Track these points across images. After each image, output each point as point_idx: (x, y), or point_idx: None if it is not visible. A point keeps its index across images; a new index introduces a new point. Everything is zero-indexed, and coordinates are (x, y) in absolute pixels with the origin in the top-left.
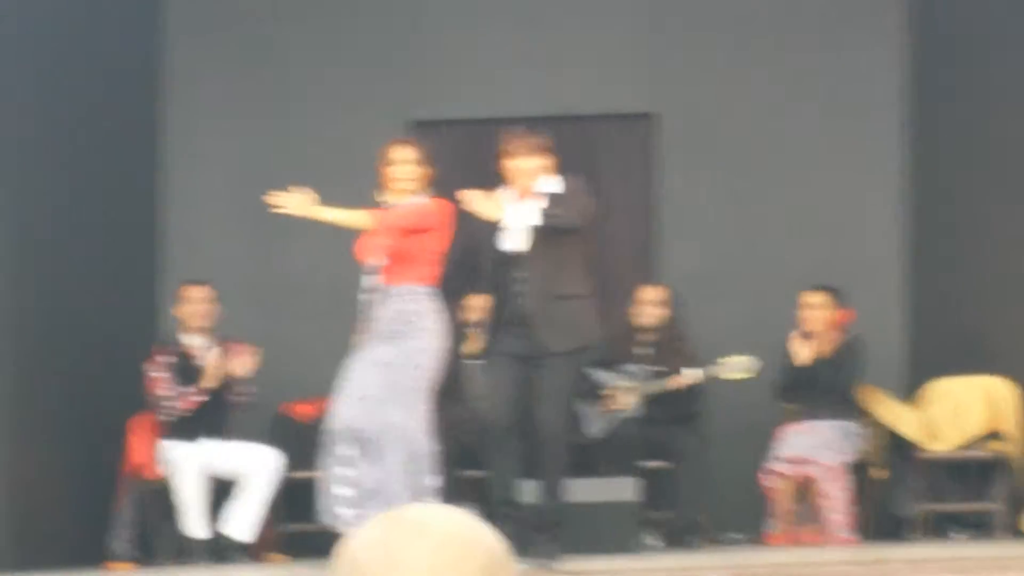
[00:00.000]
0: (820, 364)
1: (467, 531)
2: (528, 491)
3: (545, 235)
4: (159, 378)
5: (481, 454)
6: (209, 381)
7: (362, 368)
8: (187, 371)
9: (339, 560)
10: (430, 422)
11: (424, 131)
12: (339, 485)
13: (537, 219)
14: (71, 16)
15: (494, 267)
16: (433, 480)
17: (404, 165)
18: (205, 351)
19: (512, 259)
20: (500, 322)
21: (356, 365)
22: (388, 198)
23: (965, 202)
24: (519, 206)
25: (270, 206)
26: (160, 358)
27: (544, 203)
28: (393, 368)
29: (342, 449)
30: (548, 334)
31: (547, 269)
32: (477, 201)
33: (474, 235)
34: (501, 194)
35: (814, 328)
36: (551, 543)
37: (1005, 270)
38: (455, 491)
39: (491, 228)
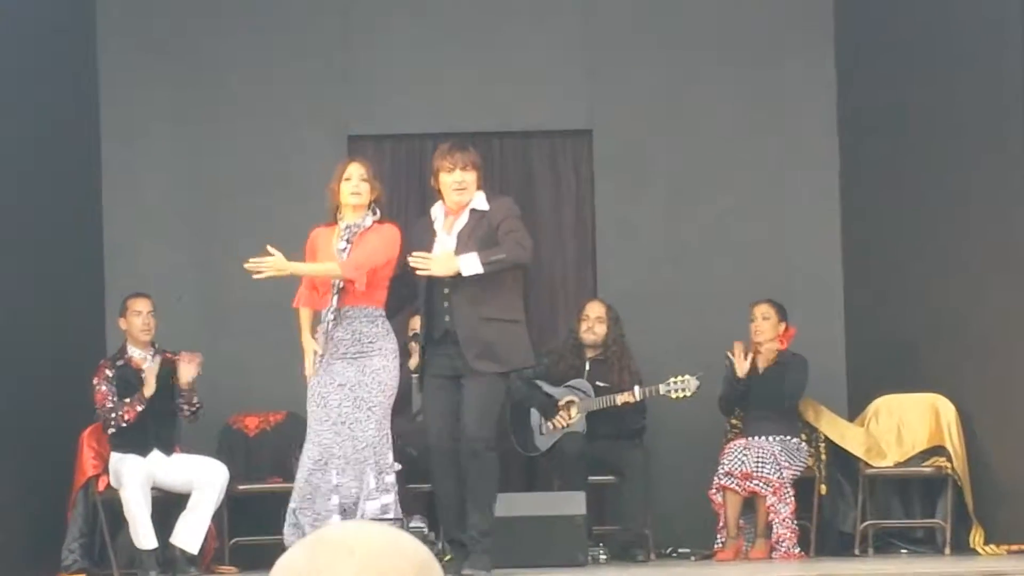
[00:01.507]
0: (760, 377)
1: (393, 547)
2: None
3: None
4: (103, 390)
5: (431, 474)
6: (148, 390)
7: (330, 392)
8: (132, 382)
9: None
10: (391, 440)
11: (360, 146)
12: (308, 508)
13: (477, 268)
14: (4, 27)
15: (426, 285)
16: (391, 498)
17: (358, 182)
18: (150, 362)
19: (443, 278)
20: (430, 341)
21: (323, 390)
22: (340, 216)
23: (900, 222)
24: (465, 258)
25: (251, 272)
26: (105, 370)
27: (484, 250)
28: (358, 387)
29: (316, 475)
30: (472, 356)
31: (474, 291)
32: (430, 265)
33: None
34: (437, 220)
35: (762, 338)
36: (482, 556)
37: (941, 291)
38: (404, 505)
39: (426, 246)
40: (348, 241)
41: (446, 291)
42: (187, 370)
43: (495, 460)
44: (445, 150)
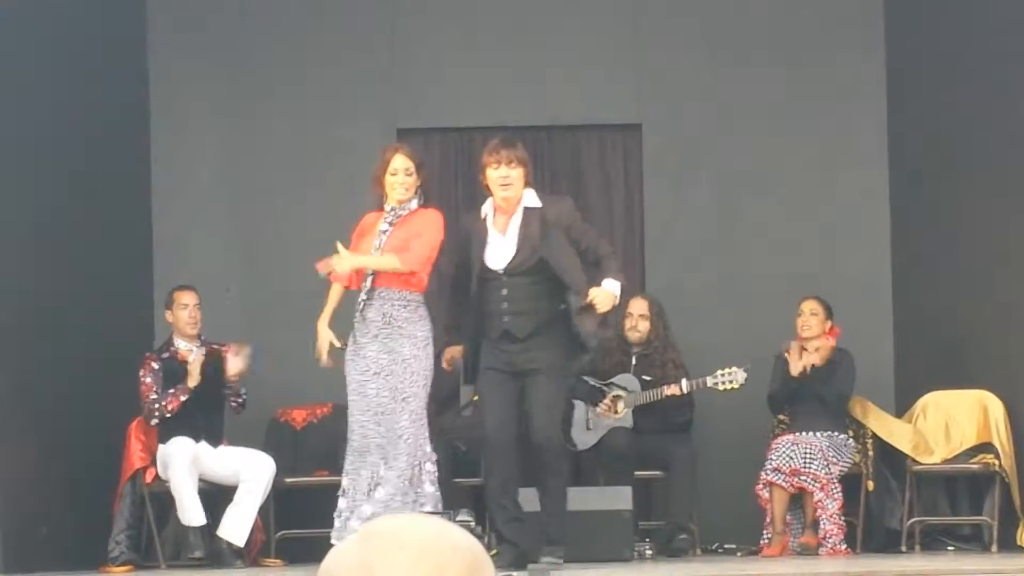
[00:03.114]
0: (811, 376)
1: (445, 540)
2: (529, 500)
3: (534, 259)
4: (148, 382)
5: (483, 465)
6: (191, 381)
7: (367, 381)
8: (178, 375)
9: None
10: (427, 428)
11: (409, 139)
12: (353, 498)
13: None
14: (57, 26)
15: (481, 283)
16: (435, 486)
17: (403, 178)
18: (194, 354)
19: (499, 277)
20: (487, 337)
21: (361, 378)
22: (386, 203)
23: (950, 217)
24: (612, 284)
25: (320, 272)
26: (151, 363)
27: (612, 268)
28: (392, 376)
29: (359, 463)
30: (534, 352)
31: (534, 290)
32: (605, 304)
33: (465, 250)
34: (485, 210)
35: (809, 334)
36: (557, 551)
37: (991, 286)
38: (450, 497)
39: (479, 244)
40: (390, 224)
41: (504, 292)
42: (234, 363)
43: (567, 458)
44: (492, 146)
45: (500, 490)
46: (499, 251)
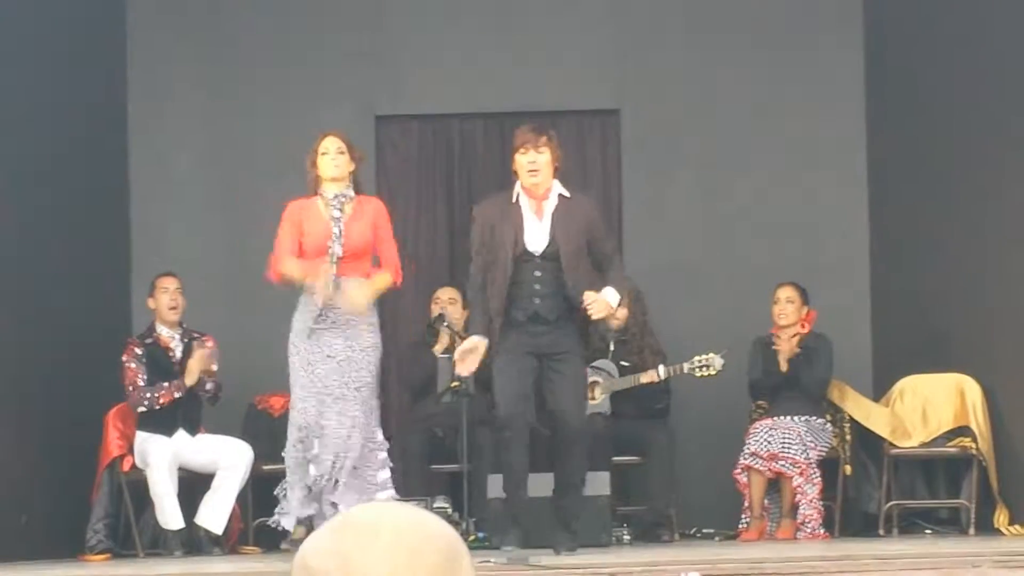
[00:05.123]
0: (794, 365)
1: (421, 528)
2: (540, 485)
3: (571, 246)
4: (133, 368)
5: (497, 450)
6: (190, 380)
7: (318, 361)
8: (161, 361)
9: (293, 569)
10: (378, 415)
11: (387, 126)
12: (298, 484)
13: (618, 298)
14: (35, 11)
15: (512, 267)
16: (386, 474)
17: (335, 155)
18: (178, 342)
19: (534, 259)
20: (512, 321)
21: (311, 357)
22: (321, 190)
23: (927, 201)
24: (611, 294)
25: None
26: (134, 348)
27: (616, 283)
28: (347, 363)
29: (303, 449)
30: (560, 336)
31: (572, 275)
32: (602, 308)
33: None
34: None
35: (786, 322)
36: (574, 535)
37: (968, 270)
38: (427, 484)
39: (514, 228)
40: (340, 209)
41: (538, 274)
42: (197, 356)
43: (588, 444)
44: (521, 131)
45: (518, 476)
46: (536, 234)
